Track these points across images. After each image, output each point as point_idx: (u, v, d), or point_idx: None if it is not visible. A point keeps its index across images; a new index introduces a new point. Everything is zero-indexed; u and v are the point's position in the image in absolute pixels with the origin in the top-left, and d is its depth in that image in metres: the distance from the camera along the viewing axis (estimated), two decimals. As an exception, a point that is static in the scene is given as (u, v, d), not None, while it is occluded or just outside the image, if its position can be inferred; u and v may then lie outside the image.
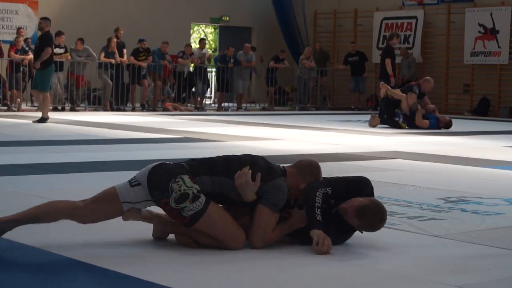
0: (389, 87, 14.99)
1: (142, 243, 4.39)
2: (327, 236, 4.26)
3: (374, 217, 4.38)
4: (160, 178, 4.23)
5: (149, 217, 4.43)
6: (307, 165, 4.51)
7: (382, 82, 15.63)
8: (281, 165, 4.57)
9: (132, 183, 4.31)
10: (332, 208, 4.48)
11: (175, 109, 19.59)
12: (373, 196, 4.59)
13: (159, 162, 4.38)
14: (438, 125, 14.64)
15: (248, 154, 4.53)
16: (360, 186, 4.55)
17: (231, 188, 4.31)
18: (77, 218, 4.30)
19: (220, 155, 4.56)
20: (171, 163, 4.40)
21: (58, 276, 3.72)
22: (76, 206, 4.28)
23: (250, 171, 4.29)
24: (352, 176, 4.73)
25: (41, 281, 3.61)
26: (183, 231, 4.36)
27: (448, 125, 14.73)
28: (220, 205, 4.38)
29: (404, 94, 14.58)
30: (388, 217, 5.30)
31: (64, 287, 3.56)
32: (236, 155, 4.51)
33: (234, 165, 4.36)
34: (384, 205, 4.51)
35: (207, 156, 4.61)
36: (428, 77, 15.21)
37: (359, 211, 4.34)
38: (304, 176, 4.44)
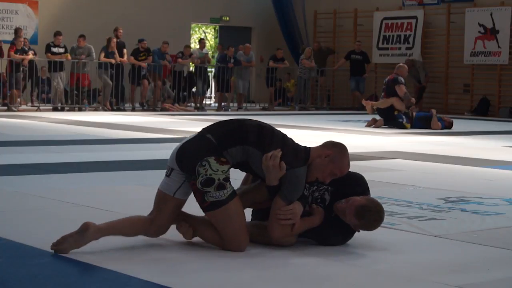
0: (372, 102, 15.17)
1: (143, 243, 4.39)
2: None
3: (374, 216, 4.36)
4: (188, 161, 4.21)
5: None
6: (330, 141, 4.52)
7: (364, 100, 15.93)
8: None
9: (167, 173, 4.32)
10: (326, 206, 4.46)
11: (174, 109, 19.59)
12: (369, 193, 4.55)
13: (185, 141, 4.30)
14: (444, 125, 14.80)
15: (281, 132, 4.38)
16: (354, 183, 4.51)
17: (256, 160, 4.23)
18: (150, 234, 4.35)
19: (254, 119, 4.45)
20: (196, 134, 4.30)
21: (59, 277, 3.71)
22: (149, 223, 4.31)
23: (280, 153, 4.20)
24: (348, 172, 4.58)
25: (41, 281, 3.61)
26: (189, 221, 4.36)
27: (451, 125, 14.93)
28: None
29: (391, 98, 14.65)
30: (388, 217, 5.32)
31: (64, 287, 3.55)
32: (270, 127, 4.37)
33: (267, 138, 4.26)
34: (384, 205, 4.51)
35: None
36: (400, 64, 15.44)
37: (359, 211, 4.32)
38: (329, 148, 4.42)
